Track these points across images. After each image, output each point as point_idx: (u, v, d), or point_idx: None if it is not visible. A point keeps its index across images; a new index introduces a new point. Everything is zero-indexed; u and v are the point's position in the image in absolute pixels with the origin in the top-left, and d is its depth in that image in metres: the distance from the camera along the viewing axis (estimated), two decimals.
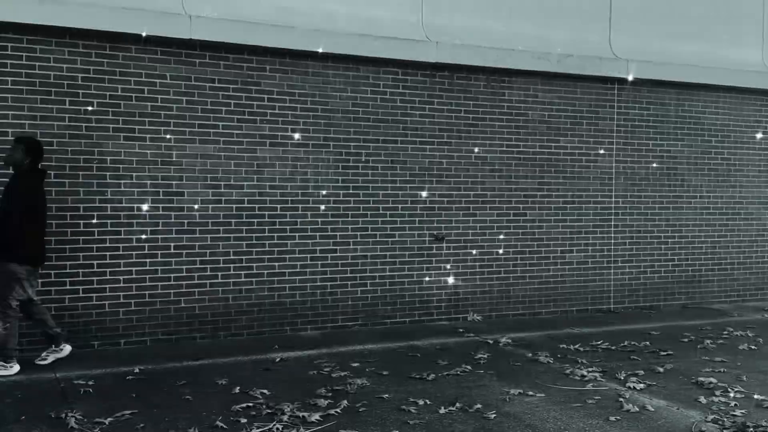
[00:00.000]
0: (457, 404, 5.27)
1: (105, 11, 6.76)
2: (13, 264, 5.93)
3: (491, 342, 7.39)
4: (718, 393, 5.65)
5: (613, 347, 7.22)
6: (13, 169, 6.10)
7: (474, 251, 8.57)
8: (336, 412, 5.09)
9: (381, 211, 8.10)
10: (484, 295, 8.64)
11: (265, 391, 5.56)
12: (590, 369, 6.32)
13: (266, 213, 7.58)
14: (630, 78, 9.15)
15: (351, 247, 7.98)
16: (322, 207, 7.82)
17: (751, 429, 4.79)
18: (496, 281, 8.70)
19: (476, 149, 8.53)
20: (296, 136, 7.68)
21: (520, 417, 5.05)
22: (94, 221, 6.90)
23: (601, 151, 9.20)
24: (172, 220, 7.22)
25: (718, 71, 9.68)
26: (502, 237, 8.71)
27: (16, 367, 6.00)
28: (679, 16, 9.68)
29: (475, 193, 8.54)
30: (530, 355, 6.86)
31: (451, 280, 8.45)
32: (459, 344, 7.32)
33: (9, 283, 5.93)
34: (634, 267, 9.49)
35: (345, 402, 5.27)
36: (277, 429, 4.73)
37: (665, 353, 7.00)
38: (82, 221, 6.87)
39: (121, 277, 7.03)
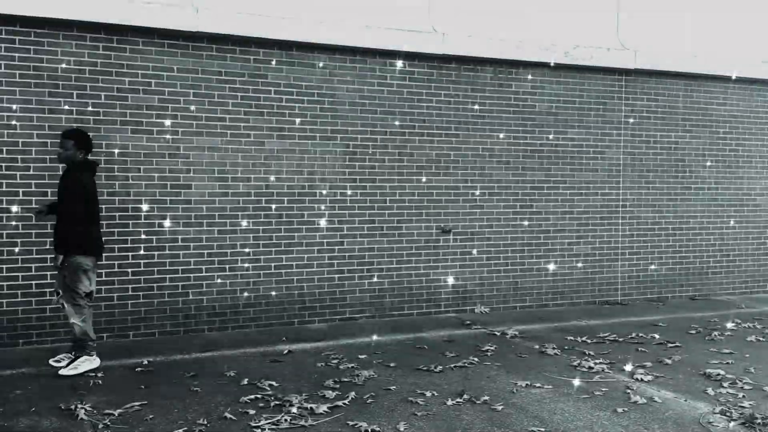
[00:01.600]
0: (465, 396, 5.27)
1: (112, 3, 6.76)
2: (81, 256, 5.91)
3: (498, 334, 7.40)
4: (726, 384, 5.65)
5: (620, 339, 7.22)
6: (67, 164, 6.03)
7: (481, 243, 8.56)
8: (344, 403, 5.10)
9: (388, 203, 8.10)
10: (491, 288, 8.64)
11: (273, 382, 5.58)
12: (598, 361, 6.32)
13: (273, 205, 7.59)
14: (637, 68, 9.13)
15: (358, 239, 7.98)
16: (329, 199, 7.83)
17: (760, 420, 4.78)
18: (503, 273, 8.70)
19: (483, 141, 8.52)
20: (303, 128, 7.68)
21: (528, 409, 5.06)
22: (102, 214, 6.92)
23: (609, 143, 9.18)
24: (180, 213, 7.23)
25: (727, 61, 9.62)
26: (509, 229, 8.71)
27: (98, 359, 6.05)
28: (688, 6, 9.62)
29: (482, 185, 8.53)
30: (537, 347, 6.86)
31: (458, 272, 8.45)
32: (466, 336, 7.33)
33: (77, 275, 5.91)
34: (641, 259, 9.47)
35: (353, 393, 5.29)
36: (286, 420, 4.74)
37: (673, 345, 6.99)
38: None
39: (129, 270, 7.06)
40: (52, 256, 6.19)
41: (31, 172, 6.67)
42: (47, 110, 6.72)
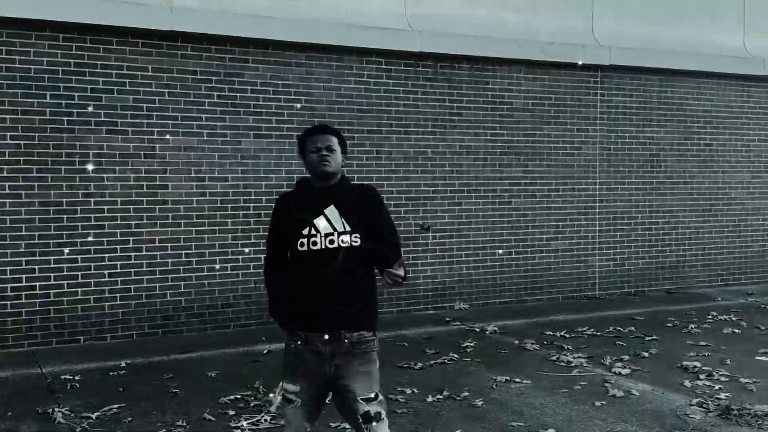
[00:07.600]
0: (445, 392, 5.29)
1: (85, 3, 6.70)
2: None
3: (478, 330, 7.42)
4: (702, 376, 5.71)
5: (598, 333, 7.27)
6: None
7: (460, 240, 8.59)
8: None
9: None
10: (470, 284, 8.66)
11: (253, 383, 5.55)
12: (576, 355, 6.36)
13: (251, 205, 7.56)
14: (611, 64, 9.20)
15: None
16: None
17: (736, 411, 4.84)
18: (482, 270, 8.72)
19: (461, 138, 8.54)
20: (280, 126, 7.65)
21: (508, 404, 5.08)
22: (78, 215, 6.86)
23: (584, 139, 9.24)
24: (156, 213, 7.18)
25: (700, 57, 9.72)
26: (487, 225, 8.73)
27: None
28: (661, 3, 9.71)
29: (460, 182, 8.55)
30: (517, 342, 6.90)
31: (437, 269, 8.46)
32: (446, 333, 7.34)
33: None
34: (618, 253, 9.54)
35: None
36: (266, 420, 4.73)
37: (650, 338, 7.05)
38: (65, 216, 6.82)
39: (105, 272, 6.99)
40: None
41: (5, 174, 6.59)
42: (20, 111, 6.63)
